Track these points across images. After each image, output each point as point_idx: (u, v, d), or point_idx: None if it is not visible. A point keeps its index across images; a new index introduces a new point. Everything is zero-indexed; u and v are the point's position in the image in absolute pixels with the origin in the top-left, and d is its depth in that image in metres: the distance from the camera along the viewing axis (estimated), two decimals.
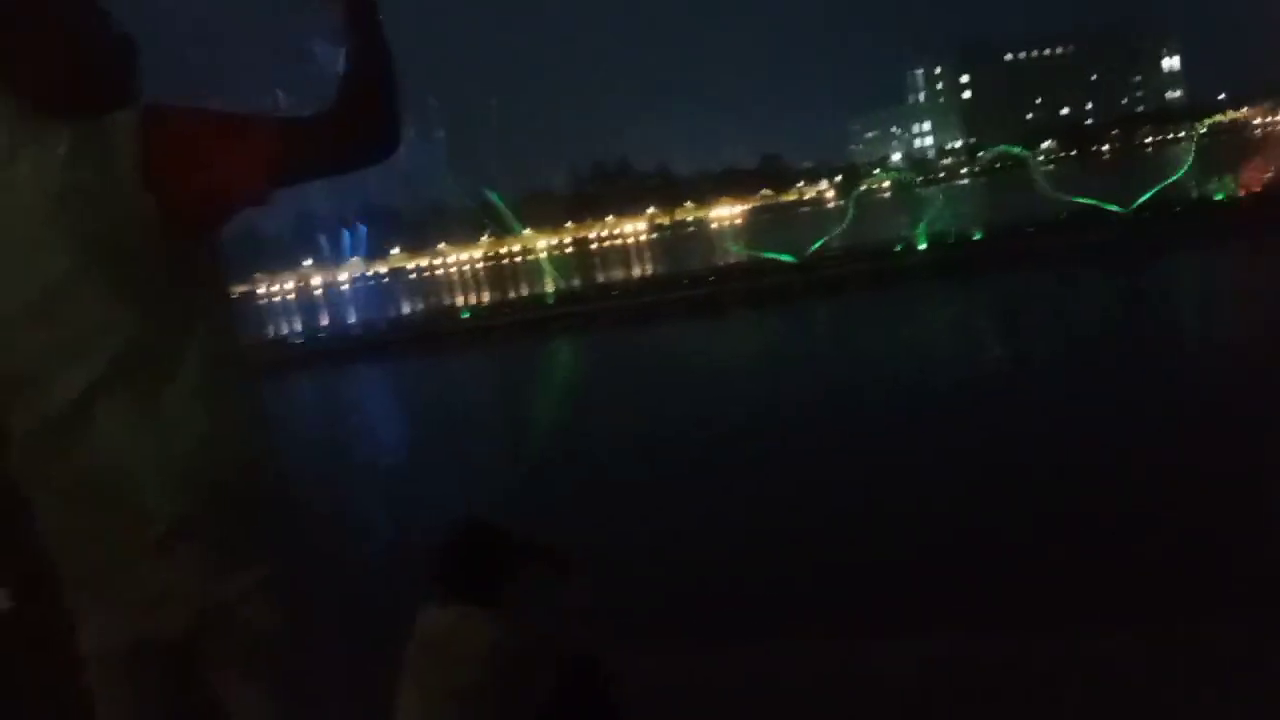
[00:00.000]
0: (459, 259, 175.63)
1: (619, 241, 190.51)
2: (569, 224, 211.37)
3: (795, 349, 35.05)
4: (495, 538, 4.40)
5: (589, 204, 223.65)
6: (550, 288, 63.15)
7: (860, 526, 14.63)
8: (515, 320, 55.30)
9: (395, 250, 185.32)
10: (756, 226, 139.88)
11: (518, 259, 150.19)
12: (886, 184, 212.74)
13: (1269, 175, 50.73)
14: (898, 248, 52.76)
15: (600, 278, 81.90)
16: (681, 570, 13.30)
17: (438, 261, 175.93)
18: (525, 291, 76.18)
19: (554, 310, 55.95)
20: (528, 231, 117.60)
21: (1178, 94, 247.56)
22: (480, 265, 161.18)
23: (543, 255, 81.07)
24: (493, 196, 64.70)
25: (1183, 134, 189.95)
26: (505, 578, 4.31)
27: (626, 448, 22.35)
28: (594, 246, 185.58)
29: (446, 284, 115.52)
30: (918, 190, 77.40)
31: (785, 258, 55.21)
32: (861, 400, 23.56)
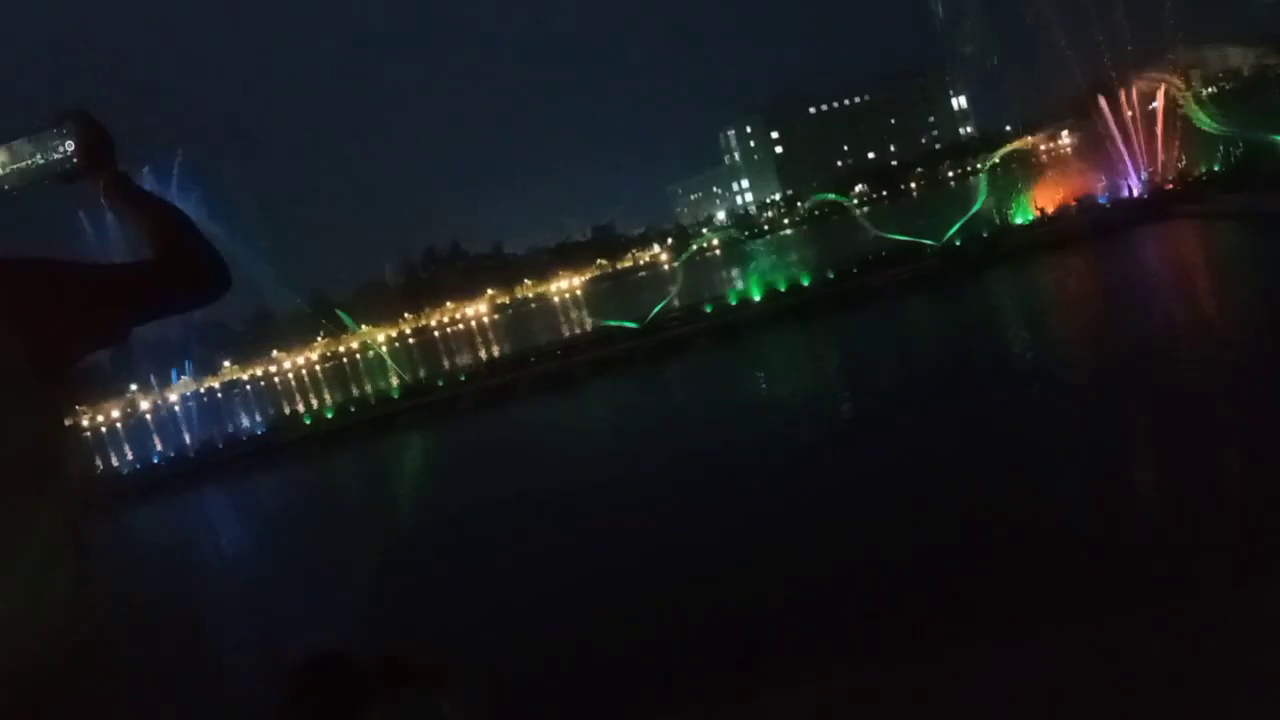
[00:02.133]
0: (295, 363, 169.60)
1: (461, 326, 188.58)
2: (407, 314, 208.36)
3: (643, 415, 35.19)
4: (343, 668, 3.96)
5: (425, 291, 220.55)
6: (395, 381, 61.51)
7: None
8: (361, 420, 53.52)
9: (227, 363, 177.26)
10: (597, 296, 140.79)
11: (357, 356, 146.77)
12: (716, 242, 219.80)
13: (1059, 195, 54.68)
14: (733, 302, 54.04)
15: (446, 364, 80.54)
16: None
17: (273, 369, 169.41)
18: (369, 389, 74.04)
19: (401, 404, 54.47)
20: (365, 326, 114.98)
21: (970, 129, 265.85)
22: (319, 367, 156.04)
23: (383, 349, 79.04)
24: (322, 295, 62.68)
25: (979, 166, 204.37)
26: (359, 707, 3.90)
27: (460, 539, 22.28)
28: (436, 334, 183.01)
29: (285, 391, 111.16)
30: (745, 245, 79.66)
31: (628, 324, 55.67)
32: (708, 464, 23.54)
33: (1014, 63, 58.18)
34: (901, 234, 55.36)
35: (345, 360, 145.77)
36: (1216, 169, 50.58)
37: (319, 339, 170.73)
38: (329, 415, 57.16)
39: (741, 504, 19.22)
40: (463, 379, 55.98)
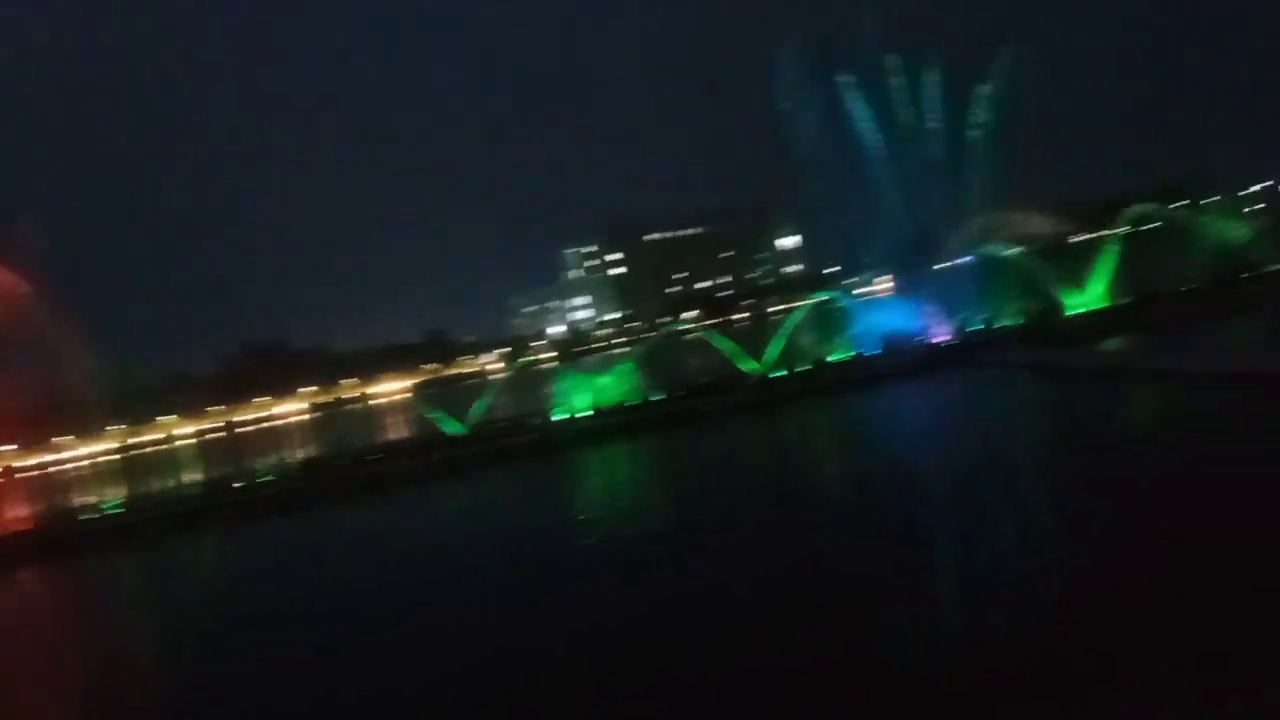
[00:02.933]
0: (90, 451, 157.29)
1: (276, 423, 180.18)
2: (219, 407, 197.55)
3: (446, 529, 33.79)
4: None
5: (242, 384, 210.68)
6: (201, 476, 57.55)
7: None
8: (157, 515, 49.28)
9: (6, 446, 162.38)
10: (424, 401, 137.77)
11: (162, 447, 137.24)
12: (549, 355, 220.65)
13: (874, 336, 57.43)
14: (561, 416, 53.51)
15: (255, 463, 76.05)
16: None
17: (62, 456, 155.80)
18: (171, 482, 68.87)
19: (204, 501, 50.64)
20: (171, 417, 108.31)
21: (799, 267, 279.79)
22: (118, 457, 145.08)
23: (190, 442, 74.03)
24: (128, 382, 58.47)
25: (803, 301, 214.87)
26: None
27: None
28: (249, 430, 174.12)
29: (73, 482, 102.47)
30: (579, 361, 79.88)
31: (455, 427, 54.16)
32: (496, 586, 22.82)
33: (843, 210, 61.69)
34: (730, 361, 56.61)
35: (148, 450, 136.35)
36: (1018, 322, 54.37)
37: (119, 427, 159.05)
38: (114, 510, 52.41)
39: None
40: (269, 479, 52.71)
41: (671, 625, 17.36)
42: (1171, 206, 65.60)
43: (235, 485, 53.82)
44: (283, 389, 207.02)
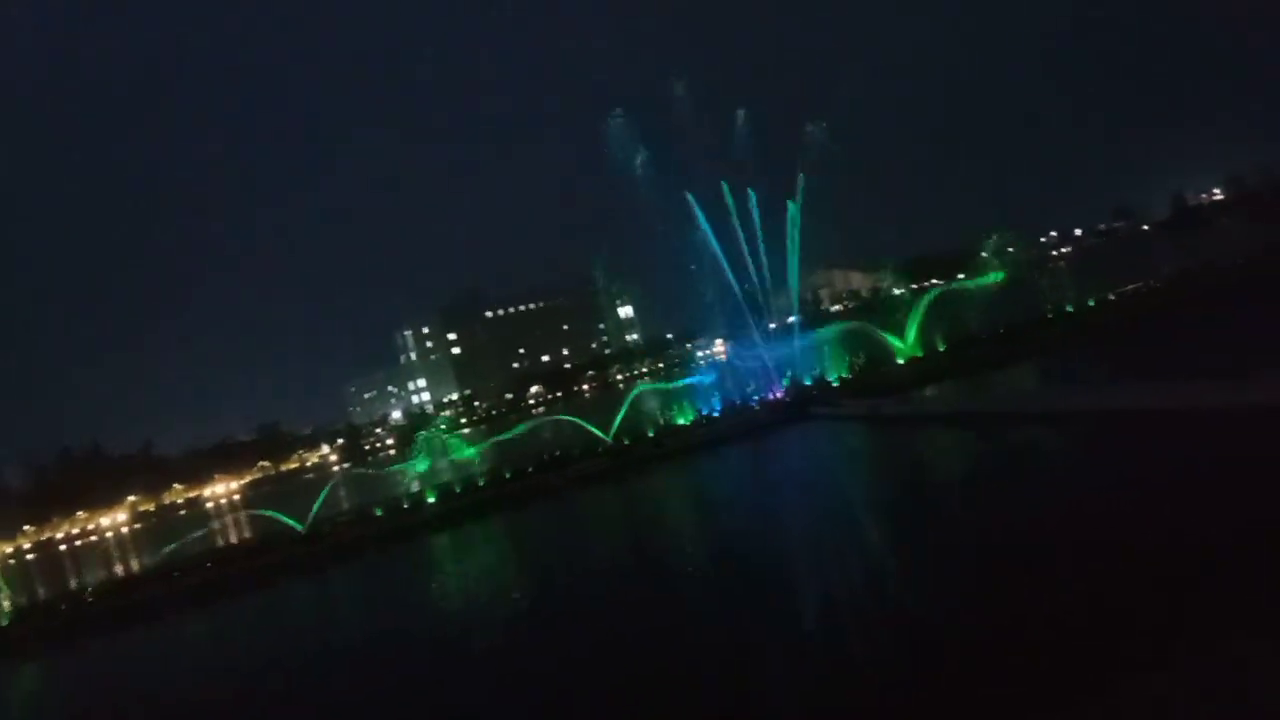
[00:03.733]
0: None
1: (95, 537, 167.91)
2: (27, 526, 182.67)
3: (287, 638, 32.10)
4: None
5: (54, 498, 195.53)
6: (5, 605, 52.60)
7: None
8: None
9: None
10: (258, 499, 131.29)
11: None
12: (390, 441, 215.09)
13: (714, 397, 58.87)
14: (405, 505, 52.12)
15: (72, 582, 70.50)
16: None
17: None
18: None
19: (12, 631, 46.47)
20: None
21: (636, 336, 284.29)
22: None
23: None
24: None
25: (644, 370, 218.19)
26: None
27: None
28: (64, 547, 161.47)
29: None
30: (422, 444, 78.10)
31: (294, 524, 51.85)
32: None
33: (672, 278, 63.35)
34: (579, 432, 56.70)
35: None
36: (845, 375, 56.79)
37: None
38: None
39: None
40: (89, 599, 48.97)
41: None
42: (978, 255, 70.05)
43: (56, 607, 49.78)
44: (105, 498, 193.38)
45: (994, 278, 62.92)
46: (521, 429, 63.23)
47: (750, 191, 60.79)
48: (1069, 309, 57.73)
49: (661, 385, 67.52)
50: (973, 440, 32.84)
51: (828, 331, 60.94)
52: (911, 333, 57.93)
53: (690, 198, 59.80)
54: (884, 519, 25.46)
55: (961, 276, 69.15)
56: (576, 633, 21.64)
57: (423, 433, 70.08)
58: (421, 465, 60.16)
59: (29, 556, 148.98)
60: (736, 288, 61.72)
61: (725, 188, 60.36)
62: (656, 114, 63.18)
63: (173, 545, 59.94)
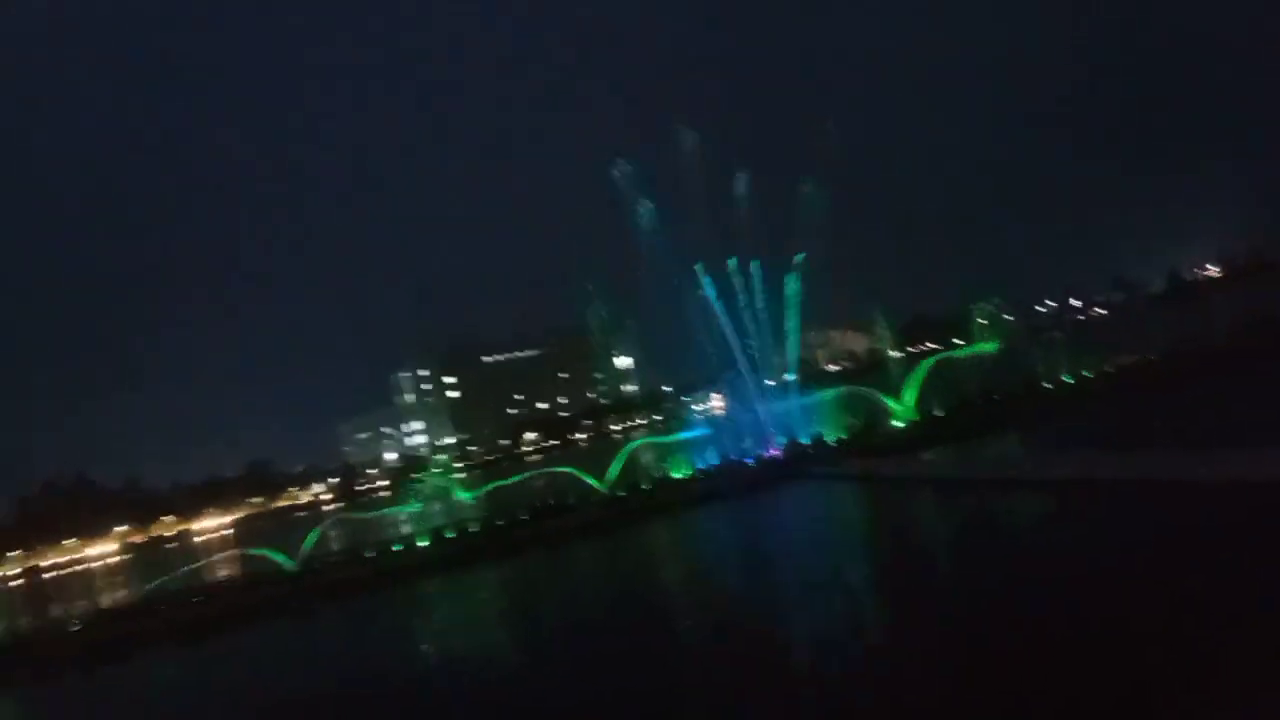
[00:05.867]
0: None
1: (82, 567, 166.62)
2: (13, 553, 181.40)
3: (283, 677, 31.92)
4: None
5: (40, 527, 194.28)
6: None
7: None
8: None
9: None
10: (249, 536, 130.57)
11: None
12: (385, 483, 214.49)
13: (709, 454, 59.10)
14: (396, 547, 52.08)
15: (56, 612, 69.96)
16: None
17: None
18: None
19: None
20: None
21: (634, 387, 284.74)
22: None
23: None
24: None
25: (640, 420, 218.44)
26: None
27: None
28: (49, 575, 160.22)
29: None
30: (416, 487, 78.13)
31: (285, 562, 51.74)
32: None
33: (668, 331, 64.06)
34: (575, 482, 56.80)
35: None
36: (843, 436, 57.05)
37: None
38: None
39: None
40: (74, 629, 48.68)
41: None
42: (975, 323, 70.90)
43: (38, 638, 49.47)
44: (91, 530, 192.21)
45: (988, 347, 63.56)
46: (519, 478, 63.38)
47: (754, 264, 61.84)
48: (1067, 379, 58.19)
49: (658, 439, 67.68)
50: (966, 504, 33.17)
51: (827, 393, 61.31)
52: (909, 396, 58.37)
53: (699, 269, 60.65)
54: (875, 580, 25.69)
55: (959, 342, 69.82)
56: (563, 683, 21.70)
57: (418, 476, 70.17)
58: (414, 507, 60.12)
59: (14, 584, 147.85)
60: (736, 344, 62.36)
61: (732, 263, 61.48)
62: (659, 162, 64.32)
63: (161, 579, 59.72)
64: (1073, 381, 57.81)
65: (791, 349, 63.57)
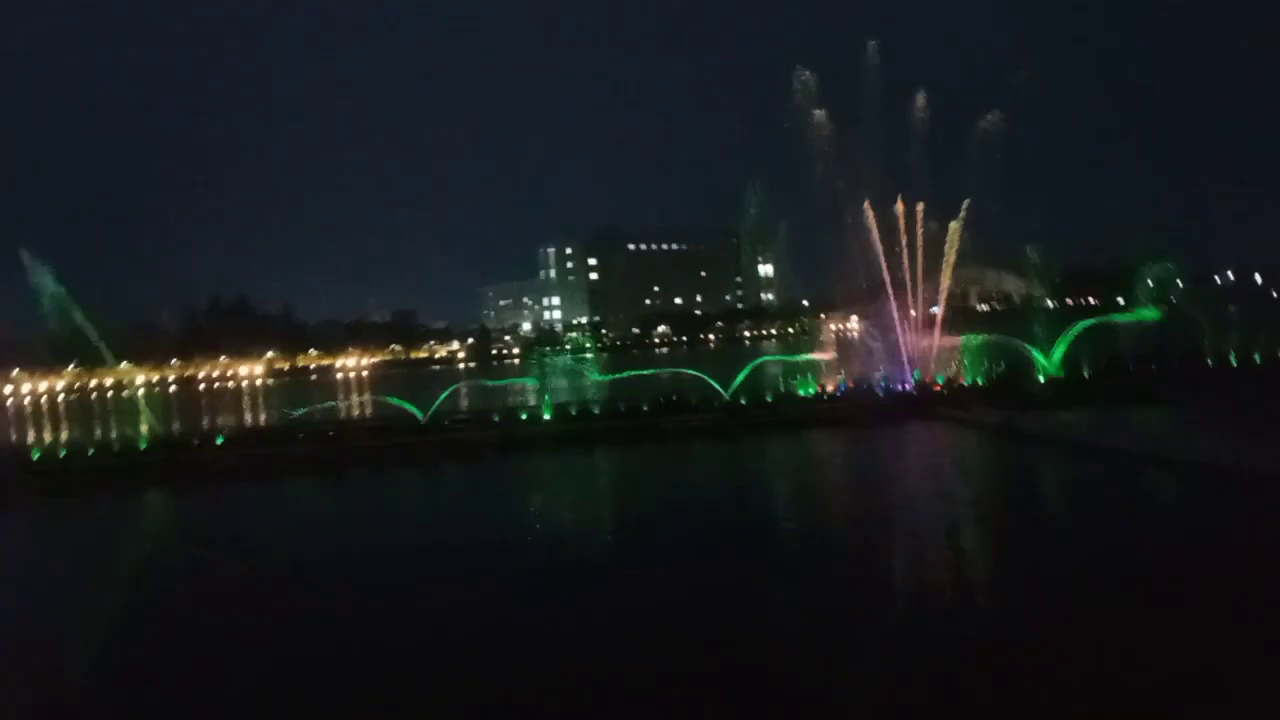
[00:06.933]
0: (34, 389, 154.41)
1: (231, 384, 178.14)
2: (175, 361, 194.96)
3: (418, 526, 33.65)
4: None
5: (201, 342, 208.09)
6: (145, 430, 56.70)
7: None
8: (96, 466, 48.81)
9: None
10: (385, 380, 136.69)
11: (110, 394, 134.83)
12: (516, 350, 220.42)
13: (839, 375, 58.18)
14: (523, 415, 53.51)
15: (205, 423, 75.32)
16: None
17: (10, 391, 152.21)
18: (115, 432, 68.21)
19: (146, 457, 50.15)
20: (125, 365, 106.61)
21: (771, 296, 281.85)
22: (62, 398, 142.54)
23: (140, 393, 72.98)
24: (84, 322, 57.39)
25: (773, 331, 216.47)
26: None
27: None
28: (202, 387, 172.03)
29: (20, 418, 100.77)
30: (545, 359, 79.98)
31: (415, 412, 54.01)
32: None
33: (821, 246, 62.66)
34: (698, 381, 57.01)
35: (95, 395, 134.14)
36: (979, 381, 55.26)
37: (69, 368, 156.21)
38: (52, 455, 51.77)
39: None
40: (220, 442, 52.28)
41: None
42: (1143, 283, 66.82)
43: (189, 442, 53.42)
44: (244, 351, 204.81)
45: (1151, 314, 59.69)
46: (650, 372, 63.94)
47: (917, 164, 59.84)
48: (1233, 358, 54.58)
49: (789, 356, 67.02)
50: (1103, 474, 31.66)
51: (972, 337, 59.05)
52: (1058, 353, 55.82)
53: (856, 160, 58.86)
54: (994, 543, 24.75)
55: (1120, 301, 65.95)
56: (659, 576, 22.05)
57: (549, 349, 71.61)
58: (542, 380, 61.21)
59: (171, 389, 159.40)
60: (885, 269, 60.76)
61: (899, 202, 59.55)
62: (834, 79, 62.18)
63: (303, 408, 63.43)
64: (1239, 361, 54.23)
65: (943, 284, 61.59)
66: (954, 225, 59.44)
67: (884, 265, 60.10)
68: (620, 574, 22.84)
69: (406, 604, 21.02)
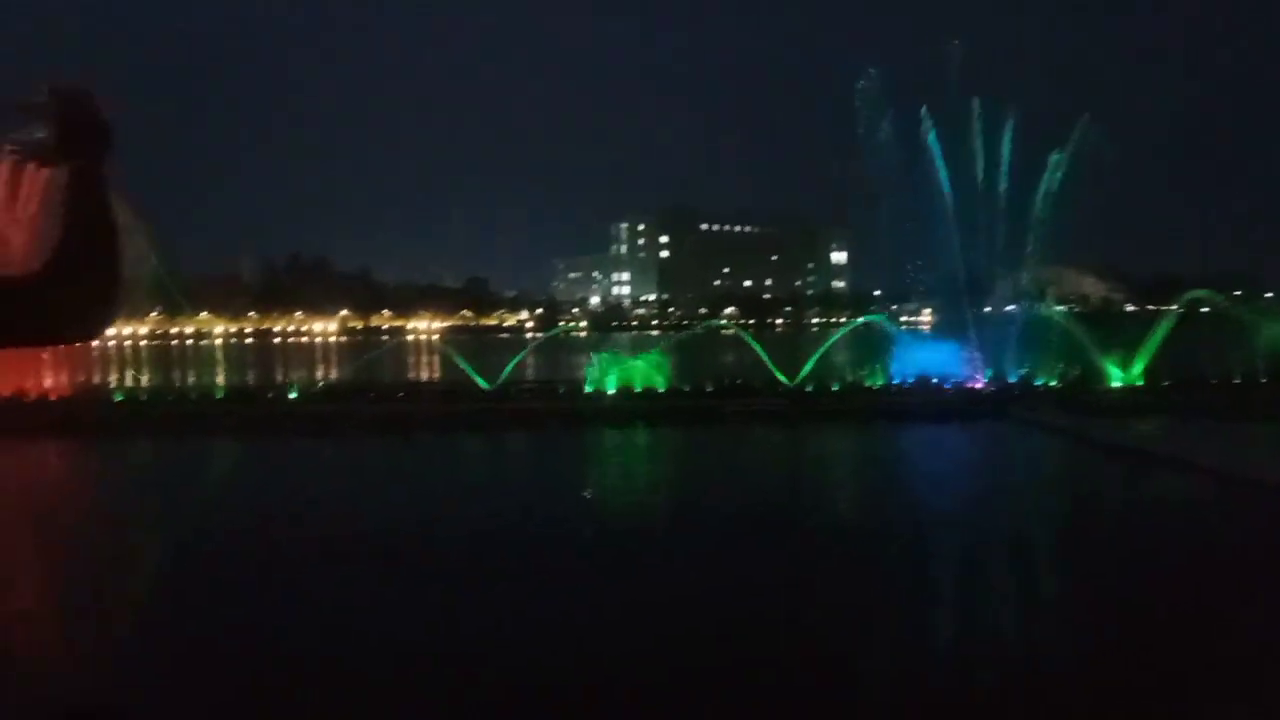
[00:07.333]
0: (119, 333, 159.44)
1: (305, 339, 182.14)
2: (252, 313, 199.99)
3: (483, 492, 34.06)
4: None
5: (279, 296, 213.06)
6: (220, 379, 58.42)
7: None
8: (172, 412, 50.38)
9: None
10: (454, 345, 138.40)
11: (189, 341, 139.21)
12: (584, 324, 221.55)
13: (908, 368, 57.20)
14: (589, 389, 53.80)
15: (278, 376, 77.20)
16: None
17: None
18: (191, 379, 70.24)
19: (220, 406, 51.62)
20: (205, 314, 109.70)
21: (843, 284, 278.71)
22: (144, 343, 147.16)
23: (218, 342, 74.92)
24: (166, 270, 59.23)
25: (844, 319, 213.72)
26: None
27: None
28: (277, 340, 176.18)
29: (100, 360, 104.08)
30: (613, 334, 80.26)
31: (480, 382, 54.68)
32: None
33: (897, 237, 62.02)
34: (762, 365, 56.68)
35: (175, 342, 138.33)
36: (1053, 383, 54.03)
37: (152, 314, 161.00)
38: (141, 397, 53.62)
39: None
40: (293, 396, 53.52)
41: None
42: (1228, 295, 64.79)
43: (263, 395, 54.87)
44: (320, 307, 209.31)
45: (1245, 316, 57.78)
46: (707, 324, 63.48)
47: (996, 161, 59.03)
48: None
49: (857, 342, 66.27)
50: (1193, 496, 29.26)
51: (1046, 331, 57.70)
52: (1141, 355, 54.13)
53: (934, 152, 58.14)
54: (1066, 566, 23.24)
55: (1206, 310, 63.85)
56: (719, 560, 22.03)
57: (615, 324, 71.77)
58: (609, 356, 61.41)
59: (248, 340, 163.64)
60: (962, 262, 59.86)
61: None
62: (923, 76, 61.62)
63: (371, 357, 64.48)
64: None
65: (1022, 280, 60.42)
66: (1054, 147, 58.41)
67: (957, 250, 59.33)
68: (672, 563, 22.83)
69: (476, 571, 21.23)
